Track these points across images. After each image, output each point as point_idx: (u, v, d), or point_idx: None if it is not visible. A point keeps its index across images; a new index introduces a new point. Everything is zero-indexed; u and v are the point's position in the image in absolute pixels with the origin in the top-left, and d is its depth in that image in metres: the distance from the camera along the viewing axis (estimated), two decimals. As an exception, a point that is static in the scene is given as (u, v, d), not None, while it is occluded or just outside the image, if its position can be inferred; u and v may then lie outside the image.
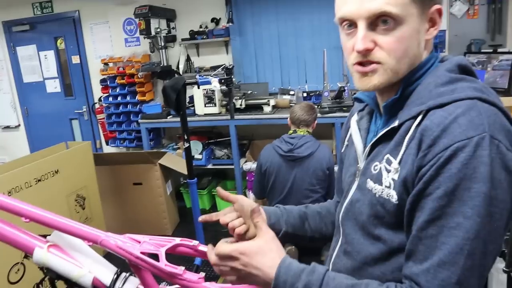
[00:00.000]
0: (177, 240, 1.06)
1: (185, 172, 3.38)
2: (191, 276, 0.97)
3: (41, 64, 5.25)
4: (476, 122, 0.71)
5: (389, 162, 0.82)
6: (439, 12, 0.81)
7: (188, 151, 2.93)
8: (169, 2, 4.52)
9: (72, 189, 3.10)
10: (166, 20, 4.40)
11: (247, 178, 4.15)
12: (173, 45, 4.59)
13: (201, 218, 1.14)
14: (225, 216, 1.11)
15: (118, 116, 4.66)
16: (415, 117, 0.79)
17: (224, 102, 4.03)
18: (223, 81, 2.90)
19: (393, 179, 0.81)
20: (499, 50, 3.77)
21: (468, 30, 3.94)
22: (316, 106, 3.12)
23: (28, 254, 2.41)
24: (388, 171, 0.82)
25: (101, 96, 4.81)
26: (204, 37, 4.37)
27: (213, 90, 3.93)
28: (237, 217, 1.11)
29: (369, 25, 0.80)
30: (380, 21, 0.79)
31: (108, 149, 5.08)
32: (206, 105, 4.05)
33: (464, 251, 0.70)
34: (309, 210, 1.19)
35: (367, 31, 0.80)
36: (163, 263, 0.98)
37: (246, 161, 4.20)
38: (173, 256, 1.05)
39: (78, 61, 5.08)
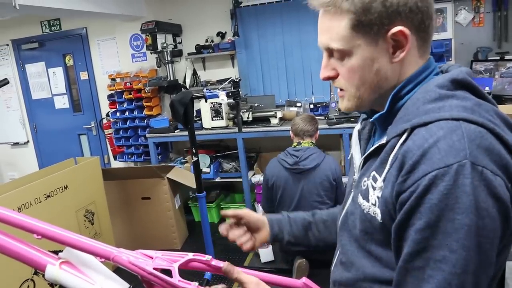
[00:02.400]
0: (190, 255, 1.06)
1: (193, 186, 3.38)
2: (204, 291, 0.95)
3: (49, 81, 5.31)
4: (456, 147, 0.67)
5: (375, 179, 0.82)
6: (402, 34, 0.77)
7: (196, 164, 2.93)
8: (175, 17, 4.56)
9: (81, 204, 3.11)
10: (172, 35, 4.44)
11: (255, 191, 4.14)
12: (179, 60, 4.62)
13: (222, 229, 1.17)
14: (232, 232, 1.16)
15: (126, 131, 4.68)
16: (400, 135, 0.77)
17: (231, 115, 4.03)
18: (230, 94, 2.91)
19: (378, 197, 0.80)
20: (506, 57, 3.76)
21: (474, 38, 3.94)
22: (316, 117, 3.14)
23: (38, 271, 2.41)
24: (374, 188, 0.81)
25: (109, 111, 4.83)
26: (210, 51, 4.40)
27: (220, 104, 3.94)
28: (244, 233, 1.17)
29: (330, 55, 0.85)
30: (333, 52, 0.84)
31: (116, 164, 5.10)
32: (213, 118, 4.06)
33: (453, 286, 0.67)
34: (315, 219, 1.20)
35: (329, 60, 0.86)
36: (176, 279, 0.97)
37: (254, 174, 4.19)
38: (181, 270, 1.04)
39: (86, 77, 5.13)
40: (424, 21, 0.79)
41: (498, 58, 3.78)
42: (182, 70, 4.62)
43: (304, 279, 1.19)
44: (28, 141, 5.63)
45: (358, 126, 1.03)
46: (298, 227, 1.18)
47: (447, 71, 0.85)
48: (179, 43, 4.55)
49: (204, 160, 4.14)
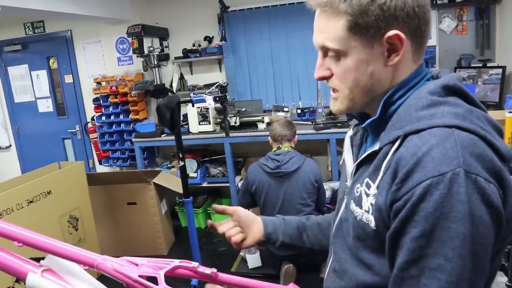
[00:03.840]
0: (176, 262, 1.03)
1: (180, 191, 3.35)
2: (191, 299, 0.93)
3: (33, 84, 5.23)
4: (450, 156, 0.67)
5: (368, 186, 0.81)
6: (398, 37, 0.77)
7: (183, 169, 2.90)
8: (161, 21, 4.54)
9: (65, 210, 3.05)
10: (159, 39, 4.41)
11: (242, 195, 4.12)
12: (166, 64, 4.59)
13: (209, 223, 1.19)
14: (222, 225, 1.17)
15: (111, 135, 4.62)
16: (393, 142, 0.77)
17: (219, 120, 4.02)
18: (217, 98, 2.90)
19: (371, 204, 0.79)
20: (489, 64, 3.82)
21: (457, 46, 4.00)
22: (303, 122, 3.20)
23: (20, 279, 2.34)
24: (368, 195, 0.81)
25: (94, 115, 4.78)
26: (197, 55, 4.38)
27: (207, 108, 3.92)
28: (234, 227, 1.17)
29: (325, 54, 0.85)
30: (328, 51, 0.83)
31: (101, 168, 5.03)
32: (201, 123, 4.04)
33: None
34: (309, 222, 1.20)
35: (324, 60, 0.85)
36: (162, 286, 0.95)
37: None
38: (167, 276, 1.02)
39: (71, 80, 5.07)
40: (421, 27, 0.79)
41: (481, 65, 3.84)
42: (169, 74, 4.59)
43: (292, 285, 1.18)
44: (10, 145, 5.53)
45: (350, 132, 1.02)
46: (293, 228, 1.18)
47: (437, 76, 0.84)
48: (166, 47, 4.52)
49: (191, 165, 4.11)
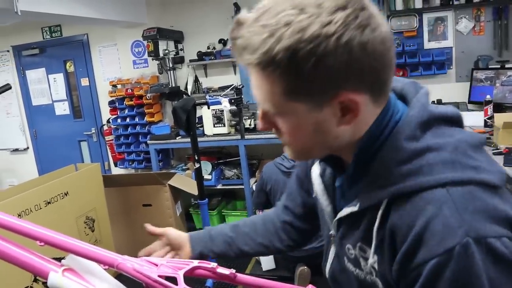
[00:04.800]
0: (195, 263, 1.04)
1: (194, 192, 3.36)
2: (211, 300, 0.94)
3: (50, 87, 5.30)
4: (452, 226, 0.61)
5: (363, 250, 0.76)
6: (352, 101, 0.65)
7: (198, 171, 2.92)
8: (176, 24, 4.57)
9: (82, 211, 3.08)
10: (174, 42, 4.44)
11: (256, 197, 4.12)
12: (181, 66, 4.62)
13: (141, 254, 1.19)
14: (150, 247, 1.18)
15: (127, 137, 4.66)
16: (377, 205, 0.70)
17: (233, 122, 4.03)
18: (232, 101, 2.90)
19: (373, 268, 0.74)
20: (507, 65, 3.76)
21: (474, 47, 3.94)
22: None
23: (39, 278, 2.37)
24: (365, 259, 0.76)
25: (110, 118, 4.83)
26: (212, 58, 4.40)
27: (222, 110, 3.93)
28: (165, 253, 1.19)
29: None
30: None
31: (116, 170, 5.08)
32: (215, 125, 4.05)
33: None
34: (236, 233, 1.18)
35: (266, 113, 0.73)
36: (181, 287, 0.95)
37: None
38: (186, 276, 1.02)
39: (87, 84, 5.13)
40: (380, 77, 0.67)
41: (499, 66, 3.79)
42: (184, 77, 4.62)
43: (310, 287, 1.18)
44: (27, 148, 5.61)
45: (317, 170, 0.93)
46: (221, 243, 1.17)
47: (401, 93, 0.77)
48: (181, 49, 4.55)
49: (206, 167, 4.12)
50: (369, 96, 0.67)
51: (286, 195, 1.17)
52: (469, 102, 3.87)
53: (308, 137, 0.71)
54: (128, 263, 1.01)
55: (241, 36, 0.65)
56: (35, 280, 2.54)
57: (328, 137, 0.71)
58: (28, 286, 2.50)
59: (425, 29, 4.00)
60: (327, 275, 0.95)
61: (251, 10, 0.67)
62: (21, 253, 1.01)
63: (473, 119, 3.44)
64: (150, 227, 1.20)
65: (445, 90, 4.00)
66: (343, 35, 0.60)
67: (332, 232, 0.88)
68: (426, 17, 3.98)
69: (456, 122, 0.73)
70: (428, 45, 4.02)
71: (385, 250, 0.70)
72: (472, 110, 3.77)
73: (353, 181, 0.78)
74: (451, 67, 4.02)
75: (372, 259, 0.73)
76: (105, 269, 1.07)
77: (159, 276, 0.98)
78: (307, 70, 0.62)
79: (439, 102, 3.93)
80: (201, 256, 1.16)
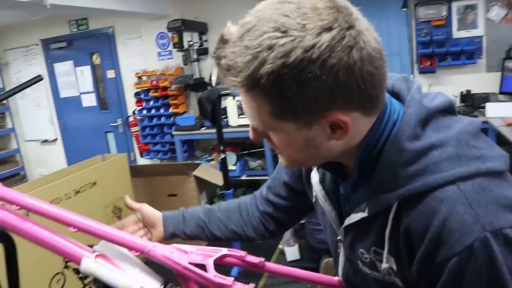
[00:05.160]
0: (225, 251, 1.05)
1: (219, 183, 3.38)
2: (241, 287, 0.94)
3: (77, 79, 5.40)
4: (468, 222, 0.61)
5: (378, 254, 0.75)
6: (340, 121, 0.64)
7: (224, 162, 2.93)
8: (201, 16, 4.58)
9: (109, 200, 3.14)
10: (198, 33, 4.46)
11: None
12: (205, 58, 4.63)
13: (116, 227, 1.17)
14: (127, 229, 1.18)
15: (152, 128, 4.72)
16: (387, 208, 0.69)
17: (257, 113, 4.02)
18: (257, 91, 2.90)
19: (391, 268, 0.74)
20: (541, 55, 3.64)
21: (506, 35, 3.82)
22: None
23: (68, 264, 2.43)
24: (381, 261, 0.75)
25: (135, 109, 4.89)
26: (236, 49, 4.39)
27: (246, 101, 3.93)
28: (138, 229, 1.19)
29: None
30: None
31: (142, 161, 5.15)
32: (240, 116, 4.06)
33: None
34: (210, 217, 1.17)
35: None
36: (212, 274, 0.96)
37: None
38: (202, 266, 1.03)
39: (113, 76, 5.20)
40: (370, 96, 0.64)
41: (532, 55, 3.67)
42: (208, 68, 4.63)
43: (337, 279, 1.17)
44: (56, 139, 5.74)
45: (316, 177, 0.91)
46: (193, 226, 1.17)
47: (393, 90, 0.76)
48: (205, 41, 4.56)
49: (231, 158, 4.14)
50: (360, 112, 0.66)
51: (268, 187, 1.14)
52: (500, 92, 3.77)
53: (299, 150, 0.70)
54: (159, 249, 1.03)
55: (224, 56, 0.64)
56: (66, 267, 2.61)
57: (320, 150, 0.70)
58: (59, 272, 2.57)
59: (454, 17, 3.90)
60: (340, 277, 0.94)
61: (238, 24, 0.66)
62: (56, 239, 1.04)
63: (505, 110, 3.34)
64: (127, 199, 1.21)
65: (475, 81, 3.90)
66: (328, 59, 0.58)
67: (340, 237, 0.87)
68: (455, 5, 3.87)
69: (450, 110, 0.72)
70: (457, 34, 3.92)
71: (401, 252, 0.70)
72: (504, 101, 3.67)
73: (357, 185, 0.78)
74: (481, 57, 3.91)
75: (387, 262, 0.73)
76: (135, 255, 1.09)
77: (189, 263, 1.00)
78: (291, 94, 0.60)
79: (468, 93, 3.84)
80: (172, 237, 1.17)
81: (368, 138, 0.70)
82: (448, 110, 0.72)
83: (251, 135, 0.75)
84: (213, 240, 1.17)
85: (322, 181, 0.89)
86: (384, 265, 0.73)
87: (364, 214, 0.74)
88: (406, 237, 0.68)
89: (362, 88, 0.62)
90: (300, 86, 0.59)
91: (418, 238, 0.65)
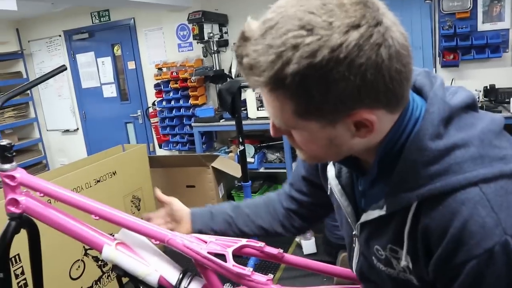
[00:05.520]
0: (243, 241, 1.05)
1: (237, 175, 3.39)
2: (259, 277, 0.95)
3: (98, 70, 5.46)
4: (489, 226, 0.60)
5: (394, 251, 0.75)
6: (366, 120, 0.63)
7: (242, 154, 2.94)
8: (221, 7, 4.57)
9: (129, 190, 3.18)
10: (218, 25, 4.45)
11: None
12: (225, 50, 4.63)
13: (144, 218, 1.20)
14: (155, 220, 1.18)
15: (171, 120, 4.74)
16: (406, 207, 0.68)
17: (276, 106, 4.01)
18: (277, 83, 2.89)
19: (407, 267, 0.73)
20: None
21: (534, 28, 3.72)
22: None
23: (88, 252, 2.48)
24: (397, 259, 0.74)
25: (155, 101, 4.92)
26: (256, 41, 4.38)
27: (266, 94, 3.93)
28: (165, 223, 1.18)
29: None
30: None
31: (160, 152, 5.19)
32: (259, 108, 4.05)
33: None
34: (237, 213, 1.17)
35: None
36: (230, 264, 0.97)
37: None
38: (220, 256, 1.03)
39: (134, 67, 5.24)
40: (396, 94, 0.63)
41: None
42: (228, 60, 4.63)
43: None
44: (77, 129, 5.83)
45: (332, 171, 0.90)
46: (221, 222, 1.16)
47: (415, 86, 0.74)
48: (225, 33, 4.55)
49: (249, 150, 4.14)
50: (385, 110, 0.65)
51: (290, 184, 1.15)
52: (526, 87, 3.67)
53: (321, 148, 0.69)
54: (178, 239, 1.04)
55: (247, 55, 0.62)
56: (86, 254, 2.66)
57: (342, 148, 0.69)
58: (79, 259, 2.62)
59: (480, 10, 3.80)
60: (354, 271, 0.94)
61: (259, 19, 0.64)
62: (79, 226, 1.06)
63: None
64: (158, 192, 1.22)
65: (499, 75, 3.80)
66: (356, 58, 0.56)
67: (355, 232, 0.86)
68: (481, -3, 3.78)
69: (472, 106, 0.71)
70: (482, 27, 3.83)
71: (418, 251, 0.69)
72: (529, 96, 3.58)
73: (375, 181, 0.77)
74: (507, 50, 3.81)
75: (405, 260, 0.72)
76: (155, 244, 1.10)
77: (208, 252, 1.00)
78: (317, 95, 0.59)
79: (492, 87, 3.76)
80: (199, 233, 1.18)
81: (390, 134, 0.69)
82: (470, 106, 0.70)
83: (271, 132, 0.73)
84: (241, 237, 1.17)
85: (338, 176, 0.88)
86: (404, 262, 0.72)
87: (382, 212, 0.73)
88: (424, 237, 0.67)
89: (389, 87, 0.61)
90: (326, 86, 0.58)
91: (437, 238, 0.65)
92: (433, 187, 0.64)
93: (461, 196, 0.62)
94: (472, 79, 3.89)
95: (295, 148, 0.75)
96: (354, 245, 0.89)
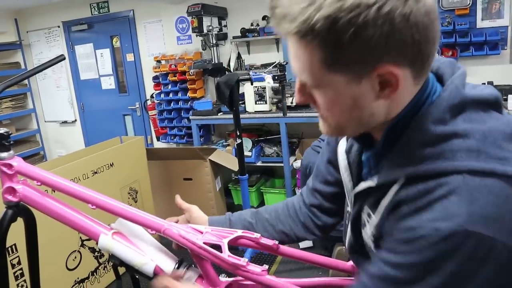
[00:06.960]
0: (239, 232, 1.06)
1: (234, 168, 3.40)
2: (254, 268, 0.95)
3: (97, 62, 5.44)
4: (451, 211, 0.60)
5: (369, 216, 0.78)
6: (391, 74, 0.64)
7: (240, 147, 2.94)
8: (220, 0, 4.56)
9: (126, 182, 3.19)
10: (217, 18, 4.44)
11: (296, 176, 4.12)
12: (224, 43, 4.62)
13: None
14: (171, 219, 1.18)
15: (170, 112, 4.75)
16: (393, 182, 0.70)
17: (275, 100, 4.01)
18: (276, 77, 2.88)
19: (372, 232, 0.78)
20: None
21: (533, 26, 3.72)
22: None
23: (84, 243, 2.48)
24: (369, 222, 0.79)
25: (153, 93, 4.92)
26: (255, 34, 4.37)
27: (264, 88, 3.92)
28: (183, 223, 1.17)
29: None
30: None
31: (158, 144, 5.20)
32: (257, 102, 4.05)
33: None
34: (256, 219, 1.16)
35: (304, 85, 0.72)
36: (226, 254, 0.98)
37: (295, 159, 4.17)
38: (215, 247, 1.03)
39: (132, 59, 5.23)
40: (422, 51, 0.64)
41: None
42: (227, 54, 4.63)
43: (351, 263, 1.17)
44: (75, 120, 5.82)
45: (343, 146, 0.92)
46: (238, 229, 1.15)
47: (437, 72, 0.75)
48: (224, 26, 4.54)
49: (246, 144, 4.14)
50: (410, 70, 0.65)
51: (314, 177, 1.14)
52: (524, 84, 3.68)
53: (344, 112, 0.70)
54: (174, 229, 1.04)
55: (280, 5, 0.64)
56: (82, 245, 2.67)
57: (364, 113, 0.70)
58: (75, 250, 2.63)
59: (479, 6, 3.80)
60: (346, 247, 0.96)
61: None
62: (75, 215, 1.07)
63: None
64: (179, 199, 1.22)
65: (498, 72, 3.81)
66: (384, 5, 0.58)
67: (348, 209, 0.88)
68: (480, -7, 3.78)
69: (493, 104, 0.70)
70: (481, 23, 3.83)
71: (385, 221, 0.72)
72: (527, 94, 3.58)
73: (379, 157, 0.78)
74: (506, 48, 3.81)
75: (373, 226, 0.76)
76: (152, 234, 1.11)
77: (204, 243, 1.01)
78: (346, 40, 0.60)
79: (490, 84, 3.76)
80: None
81: (405, 111, 0.70)
82: (489, 103, 0.70)
83: (296, 97, 0.75)
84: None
85: (348, 151, 0.90)
86: (374, 223, 0.76)
87: (372, 183, 0.75)
88: (393, 209, 0.69)
89: (416, 39, 0.62)
90: (355, 31, 0.59)
91: (404, 207, 0.66)
92: (420, 168, 0.65)
93: (442, 180, 0.63)
94: (470, 76, 3.84)
95: (319, 115, 0.76)
96: (347, 221, 0.91)
